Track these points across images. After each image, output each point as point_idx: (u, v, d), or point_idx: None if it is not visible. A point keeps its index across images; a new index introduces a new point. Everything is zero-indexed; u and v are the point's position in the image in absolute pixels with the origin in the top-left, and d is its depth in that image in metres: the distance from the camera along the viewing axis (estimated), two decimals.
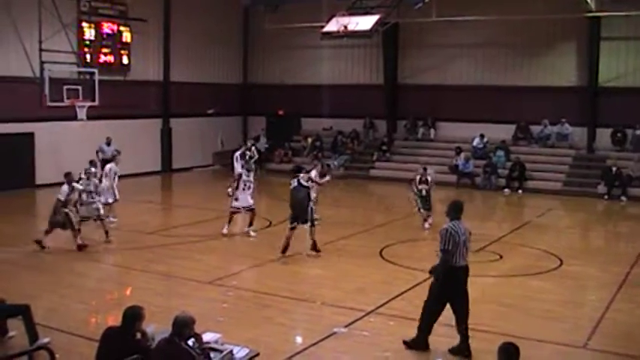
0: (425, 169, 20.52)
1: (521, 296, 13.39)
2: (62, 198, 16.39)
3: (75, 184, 16.85)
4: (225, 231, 18.19)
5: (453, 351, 10.20)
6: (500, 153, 29.56)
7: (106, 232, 17.37)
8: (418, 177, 20.25)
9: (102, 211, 17.72)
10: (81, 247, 16.35)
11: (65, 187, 16.51)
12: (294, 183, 16.10)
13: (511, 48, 30.39)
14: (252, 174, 18.70)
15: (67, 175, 16.84)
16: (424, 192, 19.94)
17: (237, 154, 19.25)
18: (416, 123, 33.11)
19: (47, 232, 16.53)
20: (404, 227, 20.41)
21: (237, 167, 18.89)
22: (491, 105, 30.51)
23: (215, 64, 34.65)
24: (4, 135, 25.36)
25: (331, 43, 31.18)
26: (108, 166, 20.26)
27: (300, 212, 15.94)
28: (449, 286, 10.05)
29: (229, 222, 18.34)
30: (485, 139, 30.38)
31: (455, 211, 10.30)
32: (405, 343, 10.38)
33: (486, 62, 30.97)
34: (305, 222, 16.01)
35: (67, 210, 16.35)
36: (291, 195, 16.13)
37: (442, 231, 10.06)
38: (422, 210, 20.06)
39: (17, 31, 22.90)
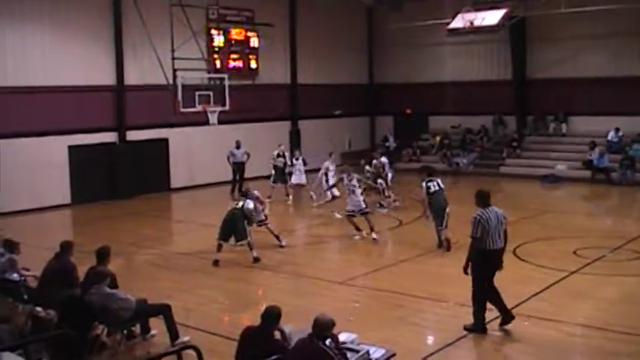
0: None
1: None
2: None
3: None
4: (357, 237, 17.96)
5: (502, 324, 10.81)
6: (638, 146, 28.34)
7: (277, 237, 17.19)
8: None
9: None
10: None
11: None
12: (435, 186, 16.10)
13: None
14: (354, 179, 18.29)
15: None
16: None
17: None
18: (544, 118, 32.28)
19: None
20: (536, 225, 19.92)
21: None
22: (625, 97, 29.28)
23: (341, 65, 34.81)
24: (141, 142, 26.45)
25: (457, 40, 30.82)
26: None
27: (443, 215, 16.14)
28: (485, 268, 10.61)
29: (355, 228, 17.97)
30: (620, 133, 29.25)
31: (482, 199, 10.80)
32: (465, 329, 10.75)
33: (619, 52, 29.72)
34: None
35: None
36: (435, 198, 16.14)
37: (472, 219, 10.60)
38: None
39: (151, 41, 23.70)
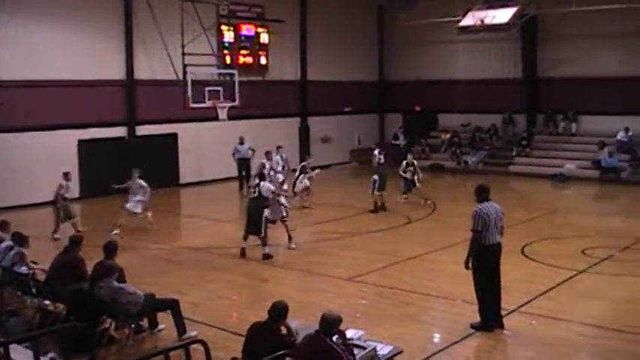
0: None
1: None
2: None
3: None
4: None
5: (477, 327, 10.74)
6: None
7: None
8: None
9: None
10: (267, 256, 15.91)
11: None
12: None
13: None
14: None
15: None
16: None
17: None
18: (554, 117, 32.20)
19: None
20: (545, 224, 19.90)
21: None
22: (636, 97, 29.10)
23: (351, 62, 34.80)
24: (151, 136, 26.53)
25: (467, 38, 30.71)
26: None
27: None
28: (484, 263, 10.63)
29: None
30: (630, 133, 29.13)
31: (482, 194, 10.81)
32: (472, 327, 10.78)
33: (630, 52, 29.52)
34: None
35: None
36: None
37: (472, 213, 10.64)
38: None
39: (161, 36, 23.72)
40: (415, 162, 23.22)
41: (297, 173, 22.62)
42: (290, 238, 16.81)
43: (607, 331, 10.74)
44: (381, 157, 22.25)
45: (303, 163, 23.17)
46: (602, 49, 30.18)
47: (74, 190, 23.90)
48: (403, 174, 22.54)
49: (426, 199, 22.63)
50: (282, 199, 17.09)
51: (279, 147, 23.53)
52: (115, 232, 17.85)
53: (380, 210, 21.48)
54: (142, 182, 19.12)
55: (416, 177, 22.66)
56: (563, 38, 31.14)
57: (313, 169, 23.02)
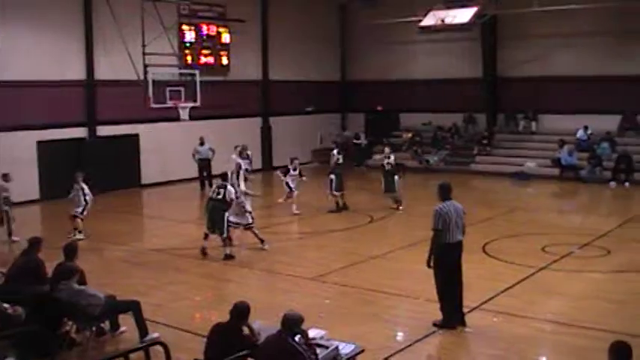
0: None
1: (632, 293, 12.90)
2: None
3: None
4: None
5: (440, 325, 10.81)
6: (605, 145, 28.65)
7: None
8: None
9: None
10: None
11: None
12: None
13: (614, 36, 29.27)
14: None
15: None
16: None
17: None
18: (514, 116, 32.52)
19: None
20: (506, 222, 20.09)
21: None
22: (595, 95, 29.53)
23: (313, 61, 34.82)
24: (112, 137, 26.30)
25: (428, 37, 30.93)
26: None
27: None
28: (445, 261, 10.70)
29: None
30: (589, 131, 29.51)
31: (444, 192, 10.88)
32: (434, 324, 10.83)
33: (589, 51, 29.94)
34: None
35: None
36: None
37: (433, 212, 10.69)
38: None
39: (122, 36, 23.55)
40: (392, 156, 21.92)
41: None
42: (262, 241, 16.61)
43: (566, 327, 10.88)
44: (340, 157, 22.26)
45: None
46: (561, 48, 30.58)
47: (34, 191, 23.73)
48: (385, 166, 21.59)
49: (399, 205, 21.56)
50: (247, 206, 16.92)
51: (237, 147, 23.52)
52: (78, 236, 17.63)
53: (342, 210, 21.49)
54: (85, 186, 18.57)
55: (396, 177, 21.62)
56: (522, 38, 31.49)
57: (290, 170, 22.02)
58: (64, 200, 18.34)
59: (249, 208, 16.87)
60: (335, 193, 21.52)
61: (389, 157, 21.70)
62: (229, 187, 15.88)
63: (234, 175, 18.59)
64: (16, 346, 8.78)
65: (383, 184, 21.79)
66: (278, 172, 22.42)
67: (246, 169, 20.04)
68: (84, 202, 18.18)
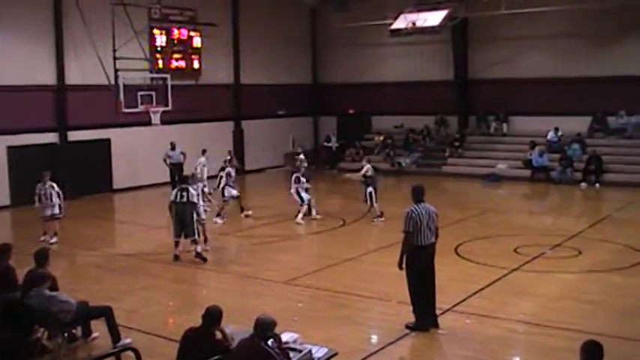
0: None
1: (603, 292, 13.05)
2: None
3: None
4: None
5: (412, 328, 10.84)
6: (576, 146, 28.91)
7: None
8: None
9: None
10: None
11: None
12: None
13: (583, 38, 29.58)
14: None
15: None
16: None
17: None
18: (486, 118, 32.73)
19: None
20: (478, 223, 20.21)
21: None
22: (565, 97, 29.83)
23: (284, 65, 34.81)
24: (83, 142, 26.11)
25: (400, 40, 31.03)
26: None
27: None
28: (417, 263, 10.74)
29: None
30: (559, 133, 29.77)
31: (416, 195, 10.93)
32: (407, 327, 10.86)
33: (559, 53, 30.24)
34: None
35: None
36: None
37: (404, 214, 10.72)
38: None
39: (92, 41, 23.41)
40: (370, 172, 20.65)
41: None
42: (206, 239, 16.73)
43: (538, 327, 10.97)
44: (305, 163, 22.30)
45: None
46: (531, 51, 30.87)
47: (4, 197, 23.51)
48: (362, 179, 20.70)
49: (381, 214, 20.38)
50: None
51: (205, 150, 23.95)
52: (53, 240, 17.54)
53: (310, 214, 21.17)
54: (54, 184, 18.37)
55: (369, 189, 20.27)
56: (492, 41, 31.73)
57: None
58: (35, 207, 18.14)
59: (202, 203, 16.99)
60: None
61: (367, 172, 20.55)
62: (191, 189, 15.86)
63: (204, 177, 19.05)
64: None
65: (363, 195, 20.63)
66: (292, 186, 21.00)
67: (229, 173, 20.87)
68: (58, 201, 18.05)
